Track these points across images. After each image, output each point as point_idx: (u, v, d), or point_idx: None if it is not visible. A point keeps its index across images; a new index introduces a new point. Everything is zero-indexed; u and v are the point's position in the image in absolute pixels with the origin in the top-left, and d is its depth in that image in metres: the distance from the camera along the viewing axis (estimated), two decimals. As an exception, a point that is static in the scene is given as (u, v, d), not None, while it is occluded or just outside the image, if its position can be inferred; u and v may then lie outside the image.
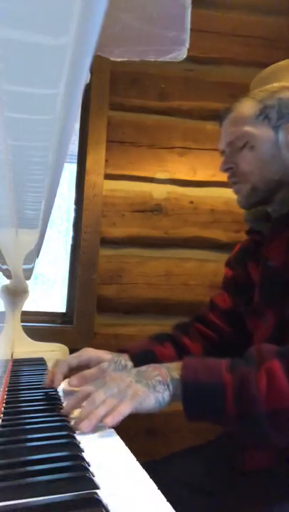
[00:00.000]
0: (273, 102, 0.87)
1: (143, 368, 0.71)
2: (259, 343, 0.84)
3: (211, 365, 0.68)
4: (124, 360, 0.88)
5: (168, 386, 0.67)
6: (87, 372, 0.80)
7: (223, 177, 1.66)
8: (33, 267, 1.17)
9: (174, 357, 0.95)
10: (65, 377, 0.83)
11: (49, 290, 2.21)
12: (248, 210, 0.97)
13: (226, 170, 0.94)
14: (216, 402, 0.65)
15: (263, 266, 0.89)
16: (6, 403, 0.69)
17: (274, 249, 0.87)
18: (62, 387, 0.82)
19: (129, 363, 0.88)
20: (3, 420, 0.60)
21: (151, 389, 0.65)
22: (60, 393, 0.79)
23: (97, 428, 0.59)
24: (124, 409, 0.61)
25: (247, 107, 0.89)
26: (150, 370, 0.69)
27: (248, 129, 0.88)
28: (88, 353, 0.88)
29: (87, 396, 0.65)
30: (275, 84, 0.89)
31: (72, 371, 0.84)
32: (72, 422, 0.61)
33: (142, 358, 0.90)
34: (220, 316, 1.03)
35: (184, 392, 0.66)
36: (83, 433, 0.57)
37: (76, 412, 0.65)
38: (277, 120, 0.86)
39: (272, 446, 0.72)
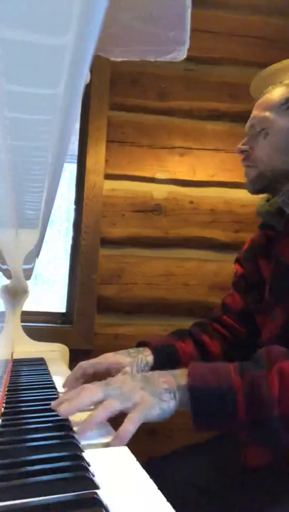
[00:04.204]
0: None
1: (148, 373, 0.68)
2: (267, 341, 0.84)
3: (218, 369, 0.66)
4: (145, 356, 0.86)
5: (174, 394, 0.63)
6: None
7: (223, 177, 1.69)
8: (33, 267, 1.17)
9: (194, 353, 0.94)
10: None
11: (49, 290, 2.21)
12: (261, 205, 0.97)
13: (241, 152, 0.93)
14: (226, 406, 0.62)
15: (276, 262, 0.88)
16: (6, 403, 0.69)
17: (287, 246, 0.86)
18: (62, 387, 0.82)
19: (150, 359, 0.86)
20: (3, 420, 0.60)
21: (156, 398, 0.62)
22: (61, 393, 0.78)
23: (97, 429, 0.59)
24: (132, 426, 0.57)
25: (277, 93, 0.89)
26: (156, 376, 0.66)
27: (268, 114, 0.88)
28: (107, 359, 0.83)
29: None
30: None
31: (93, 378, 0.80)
32: (54, 404, 0.58)
33: (163, 351, 0.88)
34: (233, 318, 1.02)
35: (192, 398, 0.63)
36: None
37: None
38: None
39: (283, 449, 0.71)
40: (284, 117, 0.86)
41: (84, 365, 0.80)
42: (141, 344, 0.93)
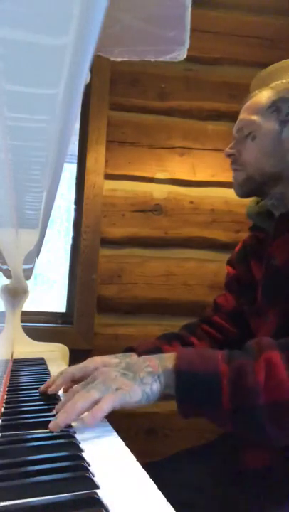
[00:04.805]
0: (288, 96, 0.85)
1: (133, 359, 0.69)
2: None
3: (206, 355, 0.66)
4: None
5: (159, 377, 0.63)
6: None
7: (223, 177, 1.69)
8: (33, 267, 1.17)
9: None
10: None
11: (49, 290, 2.21)
12: (251, 207, 0.97)
13: (228, 156, 0.93)
14: (210, 393, 0.62)
15: (267, 264, 0.88)
16: (6, 403, 0.69)
17: (278, 247, 0.86)
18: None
19: None
20: (3, 420, 0.60)
21: (138, 382, 0.62)
22: (60, 393, 0.78)
23: (97, 428, 0.59)
24: (106, 405, 0.57)
25: (264, 96, 0.88)
26: (140, 361, 0.66)
27: (255, 118, 0.88)
28: (94, 363, 0.81)
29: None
30: None
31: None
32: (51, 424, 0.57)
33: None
34: (224, 318, 1.02)
35: (177, 382, 0.63)
36: (82, 432, 0.57)
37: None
38: (287, 115, 0.85)
39: (273, 445, 0.70)
40: (270, 120, 0.86)
41: (72, 370, 0.78)
42: (128, 350, 0.92)
